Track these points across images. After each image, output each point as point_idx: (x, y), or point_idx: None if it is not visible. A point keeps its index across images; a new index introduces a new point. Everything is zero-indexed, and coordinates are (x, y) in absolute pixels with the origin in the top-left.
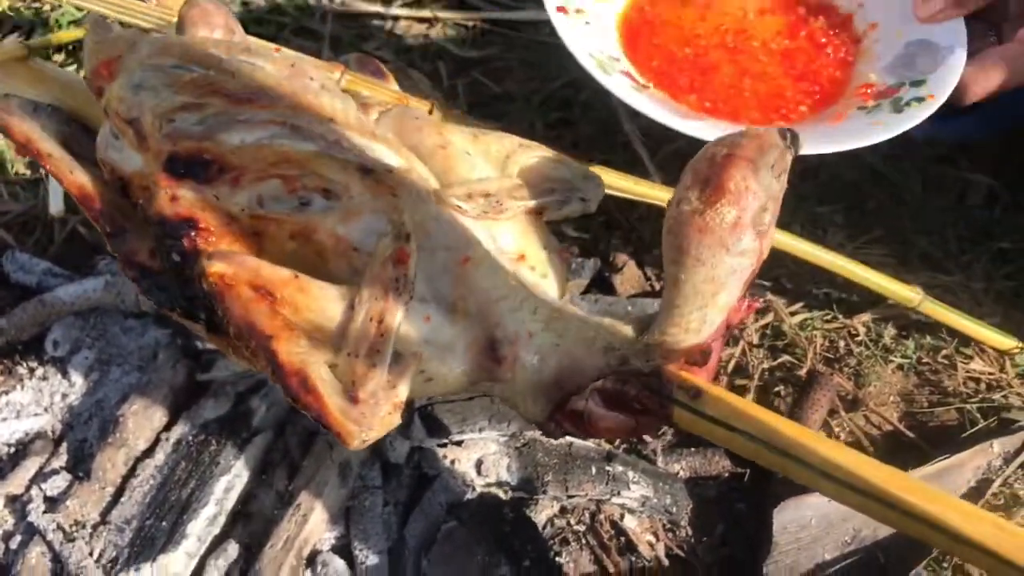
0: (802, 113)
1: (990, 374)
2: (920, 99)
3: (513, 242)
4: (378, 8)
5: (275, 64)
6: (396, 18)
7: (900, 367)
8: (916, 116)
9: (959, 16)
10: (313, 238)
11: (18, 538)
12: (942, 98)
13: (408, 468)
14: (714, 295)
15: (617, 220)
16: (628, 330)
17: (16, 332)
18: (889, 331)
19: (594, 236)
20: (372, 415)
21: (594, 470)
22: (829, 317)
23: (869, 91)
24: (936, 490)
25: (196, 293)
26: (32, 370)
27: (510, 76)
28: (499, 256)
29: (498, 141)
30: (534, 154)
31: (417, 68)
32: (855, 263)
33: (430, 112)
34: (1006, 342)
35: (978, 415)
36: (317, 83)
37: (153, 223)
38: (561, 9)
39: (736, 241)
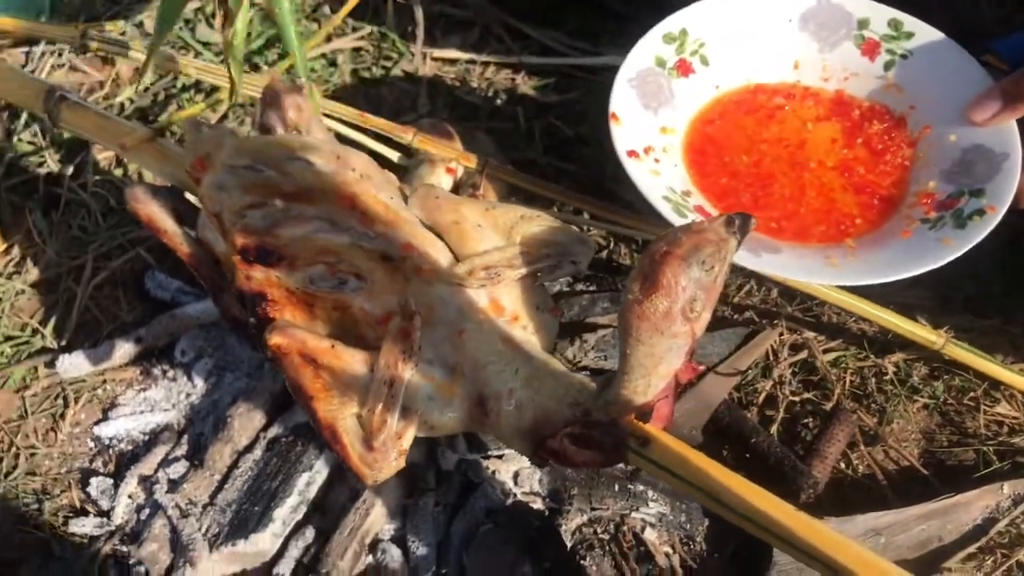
0: (859, 227)
1: (1014, 418)
2: (981, 212)
3: (510, 304)
4: (470, 55)
5: (323, 158)
6: (486, 63)
7: (925, 406)
8: (979, 231)
9: (1012, 119)
10: (348, 311)
11: (147, 511)
12: (1002, 210)
13: (457, 475)
14: (655, 366)
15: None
16: (592, 387)
17: (153, 340)
18: (920, 371)
19: (620, 270)
20: (383, 461)
21: (617, 487)
22: (862, 356)
23: (929, 201)
24: (841, 537)
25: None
26: (164, 372)
27: (585, 120)
28: (492, 322)
29: (505, 213)
30: (536, 223)
31: (502, 110)
32: (878, 307)
33: (481, 170)
34: None
35: (994, 457)
36: (357, 173)
37: (236, 293)
38: (632, 154)
39: (668, 326)
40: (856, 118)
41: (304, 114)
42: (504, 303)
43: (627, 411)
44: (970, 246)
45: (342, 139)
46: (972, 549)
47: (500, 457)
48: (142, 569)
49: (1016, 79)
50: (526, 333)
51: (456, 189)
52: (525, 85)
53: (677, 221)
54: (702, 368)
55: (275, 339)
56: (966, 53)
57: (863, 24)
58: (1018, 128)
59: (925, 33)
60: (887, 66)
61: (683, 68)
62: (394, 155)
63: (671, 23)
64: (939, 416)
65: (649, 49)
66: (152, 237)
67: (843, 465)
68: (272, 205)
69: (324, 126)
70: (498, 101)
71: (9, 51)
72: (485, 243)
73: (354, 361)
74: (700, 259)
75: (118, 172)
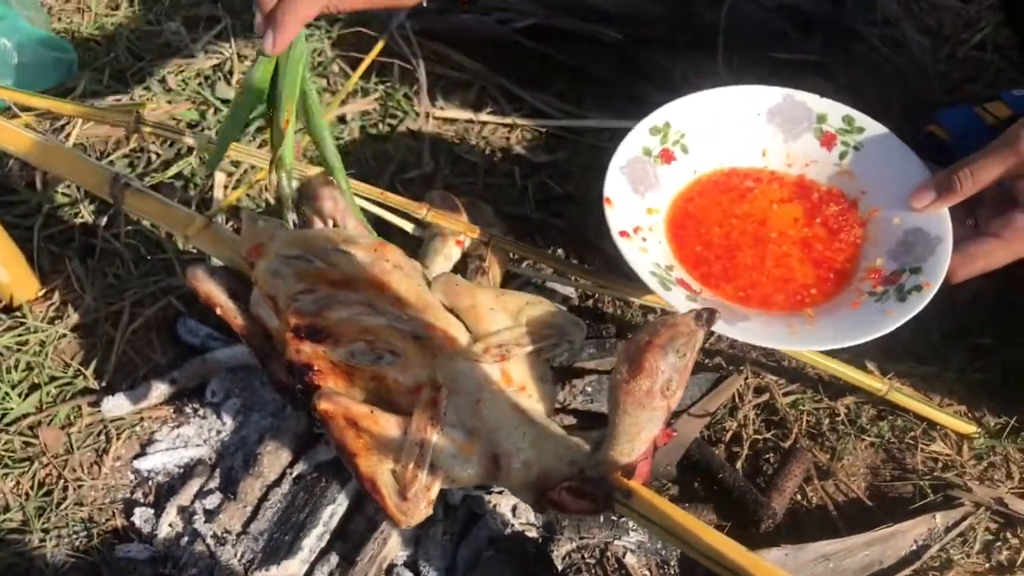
0: (815, 296)
1: (947, 455)
2: (919, 287)
3: (518, 376)
4: (469, 115)
5: (362, 251)
6: (484, 123)
7: (872, 444)
8: (917, 304)
9: (945, 208)
10: (383, 381)
11: (186, 538)
12: (936, 286)
13: (463, 508)
14: (638, 434)
15: (651, 308)
16: (586, 448)
17: (185, 381)
18: (868, 412)
19: (629, 321)
20: (414, 509)
21: (602, 518)
22: (817, 398)
23: (876, 276)
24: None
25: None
26: (196, 410)
27: (572, 178)
28: (504, 392)
29: (513, 299)
30: (539, 308)
31: (498, 168)
32: (833, 360)
33: (487, 242)
34: (966, 427)
35: (929, 490)
36: (390, 264)
37: (286, 363)
38: (623, 234)
39: (650, 402)
40: (815, 200)
41: (339, 206)
42: (513, 375)
43: (614, 469)
44: (909, 317)
45: (365, 213)
46: (908, 572)
47: (500, 493)
48: None
49: (947, 174)
50: (531, 401)
51: (464, 258)
52: (518, 145)
53: (662, 293)
54: (675, 434)
55: (323, 405)
56: (908, 147)
57: (822, 119)
58: (951, 215)
59: (873, 128)
60: (842, 156)
61: (666, 156)
62: (409, 227)
63: (656, 117)
64: (883, 453)
65: (637, 140)
66: (182, 286)
67: (799, 497)
68: (320, 291)
69: (355, 217)
70: (494, 159)
71: None
72: (497, 324)
73: (389, 425)
74: (675, 347)
75: (146, 223)
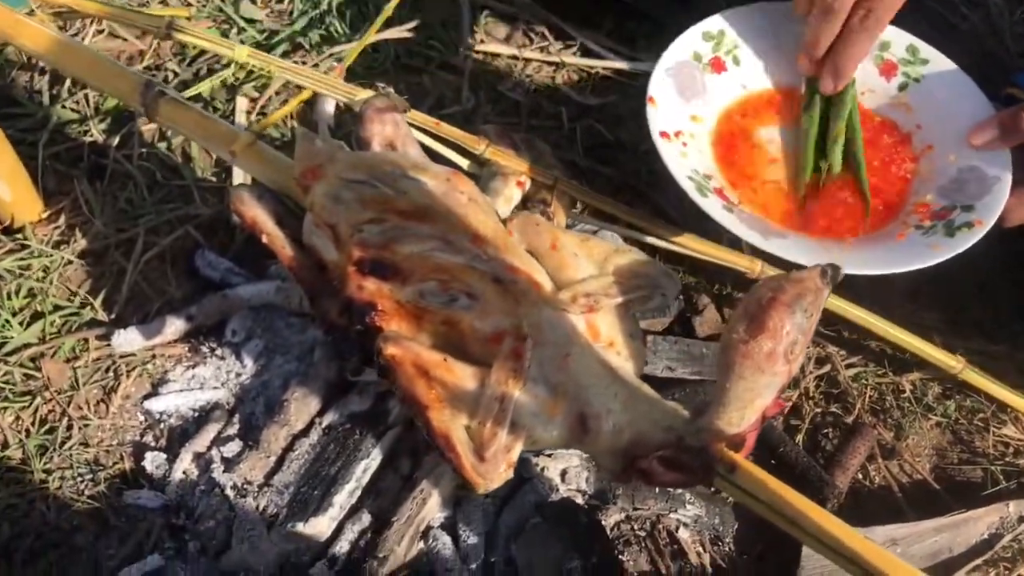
0: (864, 225)
1: (1019, 440)
2: (970, 224)
3: (606, 330)
4: (513, 51)
5: (435, 179)
6: (528, 60)
7: (938, 424)
8: (966, 240)
9: (1007, 147)
10: (457, 327)
11: (201, 487)
12: (989, 224)
13: None
14: (752, 401)
15: (703, 265)
16: (685, 414)
17: (203, 318)
18: (934, 390)
19: (681, 279)
20: (493, 471)
21: (658, 489)
22: (881, 372)
23: (924, 211)
24: (898, 560)
25: (373, 355)
26: (213, 350)
27: (623, 124)
28: (592, 347)
29: (599, 245)
30: (627, 256)
31: (543, 108)
32: (905, 331)
33: (552, 186)
34: None
35: (1001, 476)
36: (466, 196)
37: (343, 300)
38: (664, 135)
39: (771, 366)
40: (869, 130)
41: (400, 131)
42: (601, 329)
43: (719, 439)
44: (956, 253)
45: None
46: (978, 561)
47: (549, 456)
48: (198, 544)
49: (1013, 113)
50: (620, 359)
51: (525, 201)
52: (565, 85)
53: (698, 199)
54: (787, 405)
55: (391, 349)
56: (974, 84)
57: (884, 46)
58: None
59: (939, 62)
60: (901, 87)
61: (717, 65)
62: (464, 163)
63: (711, 23)
64: (951, 434)
65: (689, 44)
66: (201, 215)
67: (861, 476)
68: (389, 221)
69: (417, 144)
70: (539, 99)
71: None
72: (582, 272)
73: (465, 376)
74: (803, 306)
75: (162, 145)
